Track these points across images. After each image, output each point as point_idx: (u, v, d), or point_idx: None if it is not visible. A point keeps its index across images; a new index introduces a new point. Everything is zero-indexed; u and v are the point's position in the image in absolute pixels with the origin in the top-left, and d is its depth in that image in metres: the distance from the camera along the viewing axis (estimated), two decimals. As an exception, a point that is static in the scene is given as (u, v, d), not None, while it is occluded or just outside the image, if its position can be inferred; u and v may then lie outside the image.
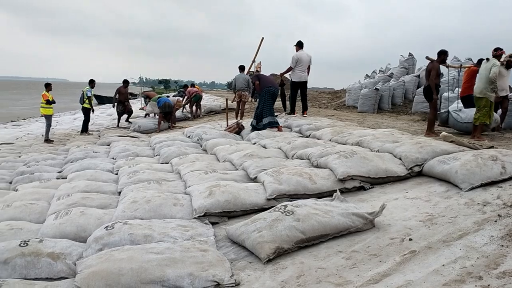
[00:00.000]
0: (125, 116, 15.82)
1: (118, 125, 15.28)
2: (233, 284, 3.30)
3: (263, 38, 11.52)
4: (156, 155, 8.30)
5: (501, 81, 8.62)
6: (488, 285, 2.76)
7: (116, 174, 6.91)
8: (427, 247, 3.42)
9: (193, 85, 18.15)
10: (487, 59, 8.00)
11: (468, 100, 9.22)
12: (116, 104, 15.45)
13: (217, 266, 3.46)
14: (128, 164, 7.22)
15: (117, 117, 15.85)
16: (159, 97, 14.84)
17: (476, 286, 2.78)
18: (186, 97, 16.77)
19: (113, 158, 8.41)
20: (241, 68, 13.62)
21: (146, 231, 4.02)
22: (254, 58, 12.03)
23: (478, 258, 3.14)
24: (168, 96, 17.55)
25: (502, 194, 4.28)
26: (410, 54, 16.98)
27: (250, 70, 12.71)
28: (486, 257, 3.14)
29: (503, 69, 8.59)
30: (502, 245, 3.27)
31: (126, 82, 15.55)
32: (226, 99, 12.87)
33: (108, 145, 10.15)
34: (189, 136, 10.00)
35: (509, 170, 4.66)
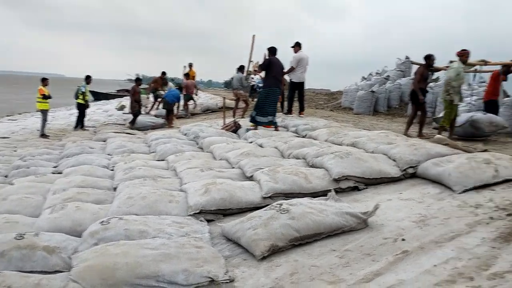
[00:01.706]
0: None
1: (133, 125, 13.95)
2: (228, 281, 3.33)
3: (254, 36, 11.56)
4: (152, 152, 8.31)
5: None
6: (479, 286, 2.81)
7: (112, 170, 6.92)
8: (420, 248, 3.46)
9: (187, 74, 17.55)
10: (451, 62, 8.10)
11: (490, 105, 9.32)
12: (133, 104, 14.25)
13: (212, 263, 3.50)
14: (124, 160, 7.23)
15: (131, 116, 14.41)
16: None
17: (467, 286, 2.83)
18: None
19: (109, 154, 8.41)
20: (239, 68, 13.69)
21: (141, 227, 4.04)
22: (250, 58, 12.09)
23: (469, 259, 3.19)
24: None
25: (495, 197, 4.33)
26: (406, 57, 17.06)
27: (248, 69, 12.77)
28: (478, 258, 3.18)
29: None
30: (494, 247, 3.31)
31: (139, 80, 15.21)
32: (224, 98, 12.90)
33: (104, 141, 10.14)
34: (185, 134, 10.01)
35: (502, 174, 4.72)
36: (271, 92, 9.37)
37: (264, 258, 3.61)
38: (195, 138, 9.13)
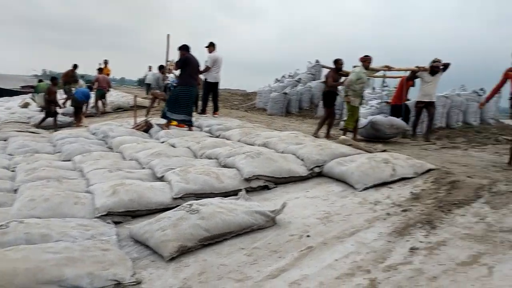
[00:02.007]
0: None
1: (40, 125, 13.15)
2: (134, 283, 3.27)
3: (169, 36, 11.45)
4: (58, 152, 7.90)
5: (425, 87, 9.16)
6: (375, 278, 3.01)
7: (13, 171, 6.49)
8: (323, 243, 3.64)
9: (101, 70, 16.84)
10: (354, 66, 8.63)
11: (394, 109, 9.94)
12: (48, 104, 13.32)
13: (118, 265, 3.41)
14: (26, 160, 6.80)
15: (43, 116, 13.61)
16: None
17: (364, 278, 3.02)
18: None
19: (9, 155, 7.87)
20: (159, 68, 13.71)
21: (43, 230, 3.84)
22: (167, 57, 11.94)
23: (367, 253, 3.41)
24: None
25: (392, 194, 4.65)
26: (317, 61, 17.73)
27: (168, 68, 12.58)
28: (375, 252, 3.41)
29: (426, 75, 9.13)
30: (389, 241, 3.57)
31: (55, 79, 14.25)
32: (135, 96, 12.57)
33: (5, 140, 9.46)
34: (94, 133, 9.63)
35: (399, 172, 5.08)
36: (187, 90, 9.18)
37: (173, 259, 3.58)
38: (104, 137, 8.81)
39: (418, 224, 3.77)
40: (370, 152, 5.96)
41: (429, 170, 5.23)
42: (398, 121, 9.07)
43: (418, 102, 9.46)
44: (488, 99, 6.85)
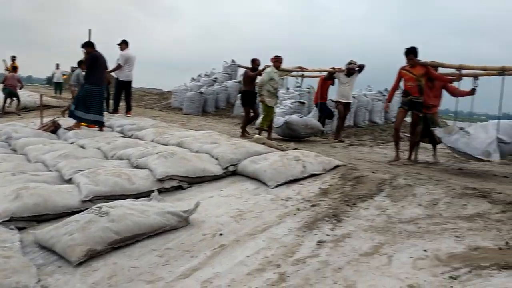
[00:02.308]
0: None
1: None
2: (39, 291, 3.13)
3: (90, 30, 11.06)
4: (-47, 156, 7.28)
5: (342, 88, 9.42)
6: (285, 272, 3.12)
7: None
8: (235, 241, 3.70)
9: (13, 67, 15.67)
10: (266, 66, 8.85)
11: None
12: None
13: (21, 273, 3.24)
14: None
15: None
16: None
17: (274, 273, 3.12)
18: None
19: None
20: (78, 63, 13.02)
21: None
22: None
23: (278, 248, 3.52)
24: None
25: (302, 190, 4.83)
26: (232, 61, 17.87)
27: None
28: (285, 246, 3.53)
29: (342, 76, 9.38)
30: (299, 235, 3.70)
31: None
32: (41, 95, 11.90)
33: None
34: (-5, 134, 8.98)
35: (309, 169, 5.28)
36: (97, 90, 8.83)
37: (81, 263, 3.46)
38: (7, 139, 8.23)
39: (326, 218, 3.95)
40: (283, 150, 6.13)
41: (336, 167, 5.49)
42: (313, 121, 9.39)
43: (336, 102, 9.76)
44: (389, 99, 7.06)
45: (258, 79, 8.96)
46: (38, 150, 6.70)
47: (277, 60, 8.56)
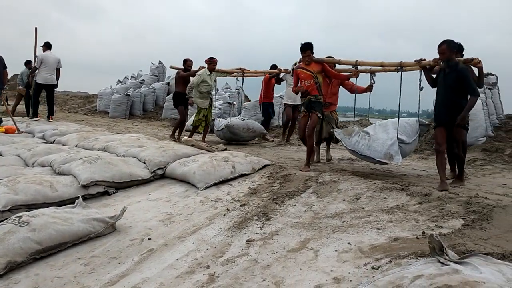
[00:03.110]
0: None
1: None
2: (-50, 310, 2.91)
3: (36, 28, 10.61)
4: None
5: (288, 89, 8.81)
6: (214, 273, 3.11)
7: None
8: (164, 245, 3.65)
9: None
10: (200, 68, 8.79)
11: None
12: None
13: None
14: None
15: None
16: None
17: (204, 274, 3.10)
18: None
19: None
20: (25, 63, 12.60)
21: None
22: (35, 51, 11.01)
23: (207, 249, 3.51)
24: None
25: (232, 191, 4.86)
26: (160, 62, 17.57)
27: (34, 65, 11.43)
28: (214, 247, 3.53)
29: (290, 77, 8.75)
30: (228, 235, 3.72)
31: None
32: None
33: None
34: None
35: (238, 169, 5.32)
36: None
37: (0, 276, 3.27)
38: None
39: (255, 217, 4.00)
40: (212, 152, 6.13)
41: (265, 166, 5.57)
42: (256, 124, 8.99)
43: (285, 104, 9.48)
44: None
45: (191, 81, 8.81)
46: (-51, 159, 6.24)
47: (211, 63, 8.47)
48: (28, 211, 4.26)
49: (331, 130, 6.01)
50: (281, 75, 9.53)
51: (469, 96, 4.62)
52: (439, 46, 4.68)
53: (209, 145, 6.75)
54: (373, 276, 2.67)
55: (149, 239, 3.78)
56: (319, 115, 5.81)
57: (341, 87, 6.55)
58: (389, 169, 6.11)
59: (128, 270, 3.28)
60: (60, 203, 4.63)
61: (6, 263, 3.35)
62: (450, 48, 4.64)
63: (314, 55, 5.83)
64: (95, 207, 4.54)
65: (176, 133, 8.92)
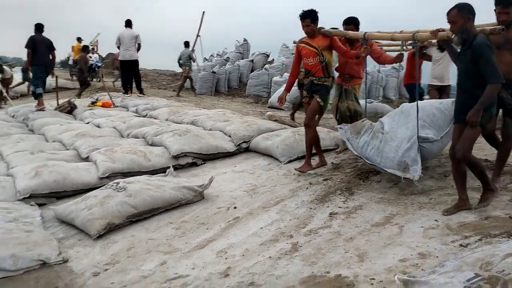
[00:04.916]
0: None
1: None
2: (61, 261, 3.27)
3: (204, 13, 11.33)
4: (-27, 137, 7.45)
5: (436, 67, 6.63)
6: (297, 242, 3.19)
7: None
8: (249, 214, 3.79)
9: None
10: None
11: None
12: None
13: (43, 246, 3.38)
14: None
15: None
16: None
17: (287, 243, 3.20)
18: None
19: None
20: (186, 44, 13.63)
21: (-40, 215, 3.70)
22: (198, 33, 11.88)
23: (290, 220, 3.59)
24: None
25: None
26: (244, 40, 17.79)
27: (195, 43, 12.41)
28: (297, 218, 3.60)
29: (435, 50, 6.50)
30: (311, 208, 3.77)
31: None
32: (56, 77, 12.03)
33: None
34: (13, 116, 9.16)
35: (322, 144, 5.30)
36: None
37: (100, 236, 3.59)
38: (25, 120, 8.41)
39: (338, 191, 4.01)
40: (295, 127, 6.17)
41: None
42: (386, 108, 7.74)
43: (430, 86, 6.87)
44: (287, 87, 4.90)
45: None
46: (55, 130, 6.84)
47: None
48: (123, 178, 4.61)
49: (336, 127, 4.84)
50: (427, 49, 6.53)
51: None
52: (448, 13, 3.33)
53: (292, 121, 6.80)
54: (461, 253, 2.60)
55: (235, 208, 3.94)
56: (319, 100, 4.56)
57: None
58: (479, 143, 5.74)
59: (216, 236, 3.46)
60: (153, 172, 4.94)
61: (106, 224, 3.67)
62: (464, 15, 3.25)
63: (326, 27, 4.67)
64: (184, 176, 4.80)
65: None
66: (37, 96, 9.10)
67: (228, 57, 17.20)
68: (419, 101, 4.04)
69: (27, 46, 8.80)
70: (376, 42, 5.14)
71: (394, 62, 4.71)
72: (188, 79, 13.80)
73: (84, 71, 12.60)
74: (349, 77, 5.11)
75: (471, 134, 3.24)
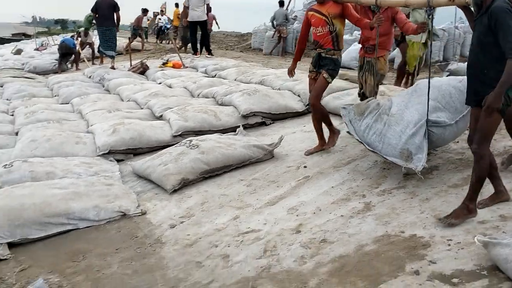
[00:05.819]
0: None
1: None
2: (140, 213, 3.44)
3: None
4: (55, 96, 7.91)
5: None
6: (370, 202, 3.15)
7: (12, 115, 6.53)
8: (319, 173, 3.76)
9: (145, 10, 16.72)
10: None
11: None
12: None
13: (122, 198, 3.57)
14: (24, 104, 6.84)
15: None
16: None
17: (359, 202, 3.16)
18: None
19: (7, 99, 7.88)
20: (281, 3, 13.58)
21: (48, 168, 3.96)
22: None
23: (362, 179, 3.54)
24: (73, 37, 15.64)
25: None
26: (313, -2, 17.32)
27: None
28: (370, 178, 3.54)
29: None
30: (384, 168, 3.69)
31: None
32: (129, 38, 12.42)
33: (1, 86, 9.42)
34: (90, 77, 9.58)
35: (394, 104, 5.13)
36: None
37: (175, 191, 3.74)
38: (101, 80, 8.78)
39: (412, 152, 3.87)
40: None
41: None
42: None
43: None
44: (295, 59, 4.93)
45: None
46: (130, 89, 7.10)
47: None
48: (195, 136, 4.71)
49: (341, 107, 4.20)
50: None
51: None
52: None
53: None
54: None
55: (305, 167, 3.93)
56: (326, 75, 4.15)
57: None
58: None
59: (286, 193, 3.49)
60: (223, 131, 5.02)
61: (180, 179, 3.80)
62: None
63: None
64: (254, 136, 4.83)
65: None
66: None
67: (296, 16, 16.84)
68: (440, 78, 3.59)
69: (92, 9, 9.46)
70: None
71: (417, 33, 4.18)
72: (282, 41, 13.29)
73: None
74: (372, 48, 4.42)
75: (488, 123, 2.63)
